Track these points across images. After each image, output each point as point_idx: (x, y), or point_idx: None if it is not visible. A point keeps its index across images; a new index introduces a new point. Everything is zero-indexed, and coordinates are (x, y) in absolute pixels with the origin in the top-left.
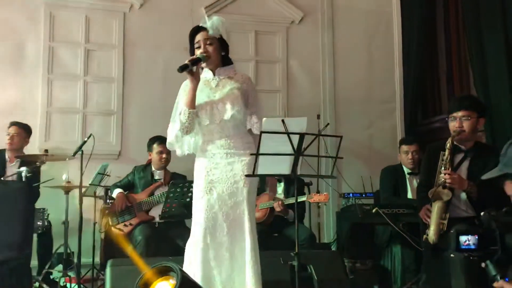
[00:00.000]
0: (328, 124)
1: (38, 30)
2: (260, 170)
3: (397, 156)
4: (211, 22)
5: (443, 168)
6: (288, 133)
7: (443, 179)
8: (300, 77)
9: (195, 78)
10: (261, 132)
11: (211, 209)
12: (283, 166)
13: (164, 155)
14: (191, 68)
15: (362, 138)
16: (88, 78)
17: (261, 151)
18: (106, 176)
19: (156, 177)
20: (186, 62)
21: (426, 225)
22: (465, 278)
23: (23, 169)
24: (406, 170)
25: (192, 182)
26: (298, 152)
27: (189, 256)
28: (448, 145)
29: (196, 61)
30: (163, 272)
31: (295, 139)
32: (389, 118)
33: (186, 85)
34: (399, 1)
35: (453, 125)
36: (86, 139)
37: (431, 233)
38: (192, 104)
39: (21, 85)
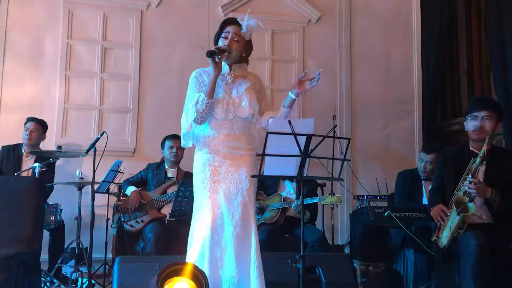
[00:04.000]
0: (336, 126)
1: (57, 28)
2: (266, 171)
3: (414, 158)
4: (248, 23)
5: (470, 176)
6: (295, 134)
7: (467, 187)
8: None
9: (218, 67)
10: (268, 133)
11: (218, 208)
12: (290, 167)
13: (174, 150)
14: (218, 55)
15: (378, 139)
16: (105, 75)
17: (267, 152)
18: (119, 173)
19: (169, 175)
20: (214, 48)
21: (437, 226)
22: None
23: (36, 164)
24: (422, 175)
25: None
26: (305, 154)
27: (194, 255)
28: (482, 152)
29: (222, 51)
30: (191, 275)
31: (302, 140)
32: (406, 119)
33: (199, 74)
34: (418, 0)
35: (473, 124)
36: (99, 136)
37: (444, 238)
38: (211, 93)
39: (39, 81)
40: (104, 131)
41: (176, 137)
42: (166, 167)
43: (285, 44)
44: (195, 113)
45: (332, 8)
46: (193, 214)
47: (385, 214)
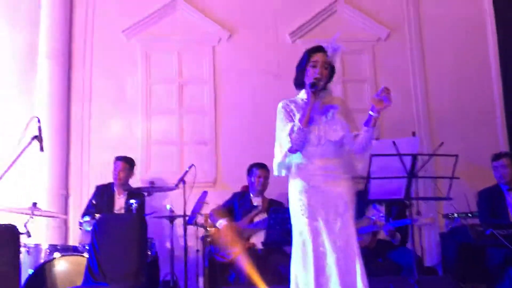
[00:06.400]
0: (442, 143)
1: (136, 70)
2: (372, 195)
3: None
4: (333, 49)
5: None
6: (400, 155)
7: None
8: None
9: (315, 97)
10: (372, 155)
11: (318, 236)
12: (396, 189)
13: (262, 180)
14: (317, 86)
15: (460, 154)
16: (182, 111)
17: (370, 175)
18: (205, 204)
19: (255, 204)
20: (315, 80)
21: None
22: None
23: (133, 201)
24: (503, 185)
25: None
26: (411, 174)
27: (299, 284)
28: None
29: (319, 81)
30: None
31: (407, 160)
32: (488, 132)
33: (286, 104)
34: (491, 7)
35: None
36: (188, 169)
37: None
38: (307, 122)
39: (123, 121)
40: (192, 165)
41: (263, 166)
42: (251, 195)
43: (356, 64)
44: (290, 142)
45: (400, 23)
46: (293, 242)
47: (487, 232)
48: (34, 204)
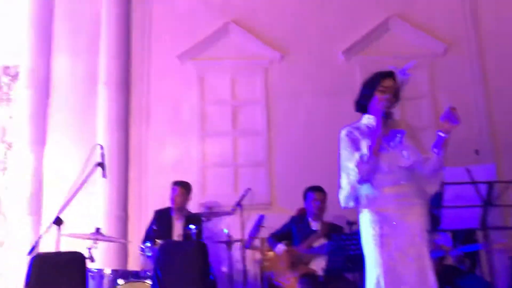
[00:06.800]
0: None
1: (191, 94)
2: (445, 224)
3: None
4: (404, 75)
5: None
6: (474, 183)
7: None
8: None
9: (386, 127)
10: (444, 183)
11: (392, 267)
12: (471, 218)
13: (318, 203)
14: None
15: None
16: (236, 133)
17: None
18: (262, 227)
19: (314, 228)
20: (388, 110)
21: None
22: None
23: (192, 227)
24: None
25: (353, 234)
26: (487, 202)
27: None
28: None
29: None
30: None
31: (482, 188)
32: None
33: (350, 132)
34: None
35: None
36: (244, 193)
37: None
38: (377, 151)
39: (178, 144)
40: (249, 189)
41: (319, 189)
42: (309, 219)
43: (413, 81)
44: (359, 174)
45: (458, 37)
46: (367, 275)
47: None
48: (98, 229)
